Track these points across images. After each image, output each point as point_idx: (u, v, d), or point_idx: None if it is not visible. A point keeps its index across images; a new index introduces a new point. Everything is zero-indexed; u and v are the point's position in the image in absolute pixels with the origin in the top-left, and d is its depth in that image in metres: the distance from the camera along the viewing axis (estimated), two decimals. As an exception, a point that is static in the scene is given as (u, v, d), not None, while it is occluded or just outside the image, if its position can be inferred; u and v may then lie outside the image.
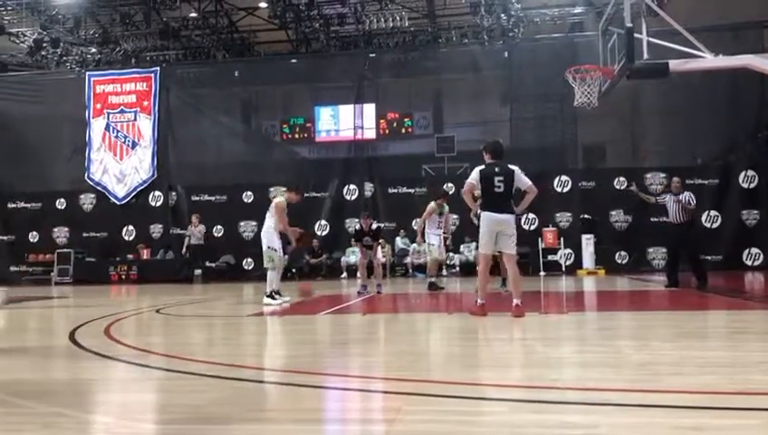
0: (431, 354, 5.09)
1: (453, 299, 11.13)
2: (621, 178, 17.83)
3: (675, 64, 9.07)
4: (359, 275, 12.12)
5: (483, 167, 7.29)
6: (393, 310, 9.49)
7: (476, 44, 19.81)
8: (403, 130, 21.44)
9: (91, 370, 4.64)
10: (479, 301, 7.35)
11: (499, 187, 7.07)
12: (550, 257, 16.97)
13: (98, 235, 18.76)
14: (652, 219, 16.79)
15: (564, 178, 18.04)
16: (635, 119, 18.37)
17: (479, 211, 7.54)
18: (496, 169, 7.14)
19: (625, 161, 18.62)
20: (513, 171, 7.19)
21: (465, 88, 19.67)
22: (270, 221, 9.75)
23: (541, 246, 16.91)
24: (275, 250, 9.61)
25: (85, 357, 5.09)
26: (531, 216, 17.62)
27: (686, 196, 10.60)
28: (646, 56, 9.12)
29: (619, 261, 17.56)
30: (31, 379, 4.10)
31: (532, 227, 17.60)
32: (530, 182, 7.32)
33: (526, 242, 17.20)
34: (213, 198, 19.34)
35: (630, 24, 8.97)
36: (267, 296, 9.42)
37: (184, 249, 17.90)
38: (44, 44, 21.32)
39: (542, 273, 16.50)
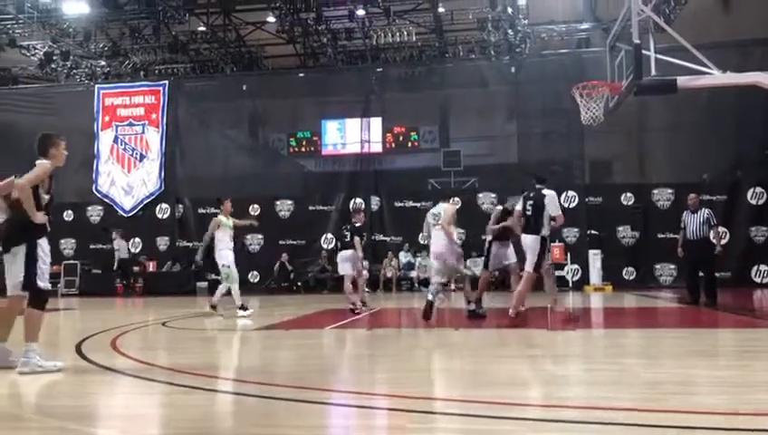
0: (440, 371, 5.06)
1: (457, 315, 11.07)
2: (628, 194, 17.77)
3: (683, 81, 9.04)
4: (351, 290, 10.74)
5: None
6: (398, 325, 9.45)
7: (483, 60, 19.86)
8: (409, 144, 21.44)
9: (96, 383, 4.63)
10: (516, 311, 7.89)
11: (528, 210, 7.96)
12: (557, 273, 16.85)
13: (105, 247, 18.80)
14: (659, 235, 16.70)
15: (571, 193, 17.98)
16: (642, 134, 18.32)
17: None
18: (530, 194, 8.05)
19: (632, 177, 18.56)
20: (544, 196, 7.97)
21: (472, 103, 19.69)
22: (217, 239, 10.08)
23: (548, 261, 16.79)
24: (229, 266, 10.00)
25: (90, 371, 5.08)
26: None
27: (707, 212, 10.58)
28: (654, 72, 9.10)
29: (627, 277, 17.45)
30: (35, 392, 4.09)
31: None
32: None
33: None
34: (220, 211, 19.33)
35: (638, 40, 8.97)
36: (239, 309, 9.86)
37: (116, 265, 18.13)
38: (55, 57, 21.50)
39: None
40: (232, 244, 10.19)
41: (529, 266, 7.98)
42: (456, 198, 10.93)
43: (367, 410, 3.62)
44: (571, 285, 16.37)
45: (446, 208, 8.64)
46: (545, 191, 7.98)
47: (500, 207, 9.16)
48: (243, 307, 9.93)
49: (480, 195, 18.15)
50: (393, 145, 20.90)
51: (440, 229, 8.51)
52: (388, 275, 17.53)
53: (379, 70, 20.53)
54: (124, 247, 18.34)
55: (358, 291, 10.50)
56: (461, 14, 19.58)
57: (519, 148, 18.56)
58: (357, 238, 10.18)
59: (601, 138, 16.82)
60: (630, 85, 9.27)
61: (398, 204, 18.57)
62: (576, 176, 18.53)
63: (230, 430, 3.12)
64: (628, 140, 18.27)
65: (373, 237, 18.31)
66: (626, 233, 17.69)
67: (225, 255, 10.05)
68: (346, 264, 10.23)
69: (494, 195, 17.95)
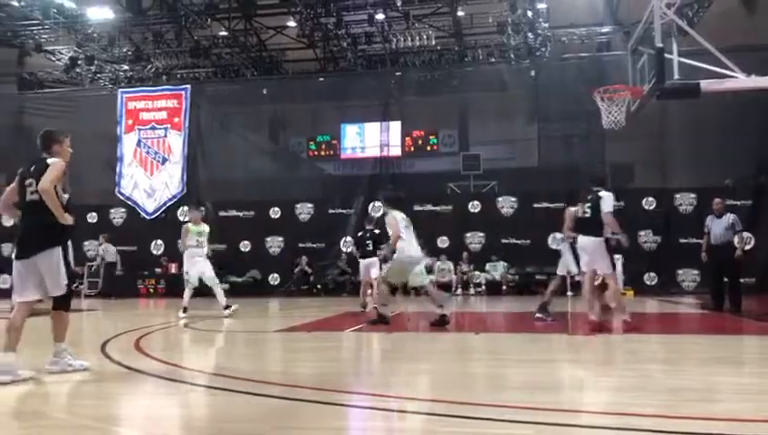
0: (460, 374, 5.06)
1: (479, 319, 11.06)
2: (650, 199, 17.60)
3: (706, 84, 8.95)
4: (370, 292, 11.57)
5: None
6: (418, 329, 9.45)
7: (503, 63, 19.82)
8: (428, 148, 21.45)
9: (121, 384, 4.71)
10: (594, 317, 7.77)
11: (587, 212, 7.99)
12: (577, 278, 16.71)
13: (127, 248, 19.03)
14: (682, 240, 16.49)
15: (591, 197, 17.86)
16: (664, 138, 18.11)
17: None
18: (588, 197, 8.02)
19: (654, 181, 18.36)
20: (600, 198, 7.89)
21: (492, 106, 19.66)
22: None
23: (568, 265, 16.67)
24: (187, 272, 10.45)
25: (115, 371, 5.16)
26: (558, 235, 17.40)
27: (732, 217, 10.46)
28: (676, 76, 9.02)
29: (648, 282, 17.25)
30: (62, 391, 4.17)
31: (560, 247, 17.32)
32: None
33: (553, 262, 17.01)
34: (240, 214, 19.50)
35: (661, 43, 8.89)
36: (225, 309, 10.27)
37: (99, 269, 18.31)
38: (79, 62, 21.85)
39: (569, 293, 16.26)
40: (199, 250, 10.47)
41: (607, 269, 7.96)
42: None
43: (393, 413, 3.64)
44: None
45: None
46: (602, 193, 7.92)
47: (573, 209, 8.94)
48: (185, 310, 10.34)
49: (500, 199, 18.07)
50: (412, 149, 20.94)
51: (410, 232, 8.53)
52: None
53: (398, 74, 20.58)
54: (112, 252, 18.33)
55: (372, 294, 10.80)
56: (481, 17, 19.55)
57: (539, 151, 18.48)
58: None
59: (623, 141, 16.66)
60: (653, 89, 9.19)
61: (417, 208, 18.52)
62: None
63: (252, 431, 3.16)
64: (650, 144, 18.07)
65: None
66: (648, 238, 17.50)
67: (186, 260, 10.54)
68: (373, 269, 11.04)
69: (513, 198, 17.89)
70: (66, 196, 4.82)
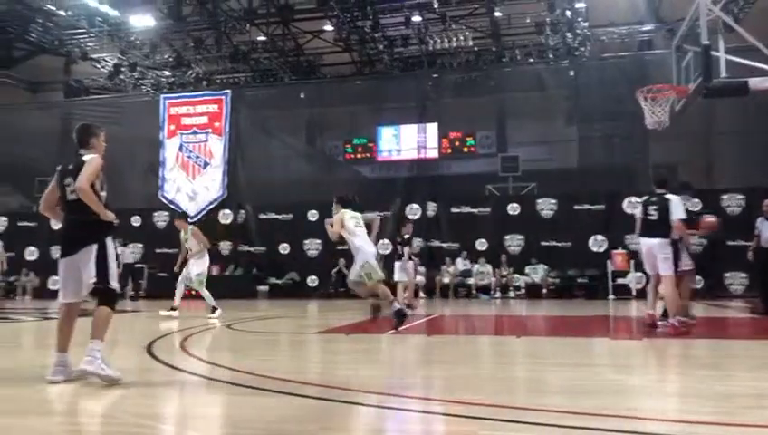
0: (500, 378, 5.02)
1: (520, 323, 10.96)
2: (695, 200, 17.14)
3: (755, 82, 8.69)
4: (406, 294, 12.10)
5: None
6: (457, 332, 9.41)
7: (541, 63, 19.61)
8: (465, 150, 21.36)
9: (167, 384, 4.80)
10: (674, 321, 7.55)
11: (653, 214, 7.86)
12: (619, 281, 16.41)
13: (170, 251, 19.39)
14: (729, 243, 16.02)
15: (634, 199, 17.46)
16: (709, 138, 17.67)
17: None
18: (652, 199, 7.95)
19: (699, 182, 17.87)
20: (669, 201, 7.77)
21: (530, 107, 19.44)
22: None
23: (610, 268, 16.34)
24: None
25: (161, 371, 5.27)
26: (599, 237, 17.14)
27: None
28: (723, 74, 8.79)
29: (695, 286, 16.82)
30: (111, 390, 4.26)
31: (602, 249, 17.05)
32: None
33: (595, 264, 16.76)
34: (279, 216, 19.71)
35: (707, 41, 8.68)
36: (212, 311, 10.49)
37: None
38: (123, 69, 22.44)
39: (610, 296, 15.99)
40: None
41: (669, 271, 7.73)
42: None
43: (436, 416, 3.64)
44: (634, 293, 15.88)
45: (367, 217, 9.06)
46: (669, 196, 7.82)
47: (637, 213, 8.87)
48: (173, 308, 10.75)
49: (539, 200, 17.82)
50: (449, 150, 20.89)
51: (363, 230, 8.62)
52: (446, 281, 17.43)
53: (435, 75, 20.55)
54: (128, 253, 18.68)
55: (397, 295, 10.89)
56: (518, 17, 19.40)
57: (579, 152, 18.21)
58: (406, 248, 11.65)
59: (666, 141, 16.30)
60: (699, 88, 8.98)
61: (454, 210, 18.46)
62: (640, 181, 18.02)
63: (297, 432, 3.19)
64: (695, 144, 17.64)
65: (429, 244, 18.29)
66: (693, 240, 17.04)
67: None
68: (401, 272, 11.73)
69: (553, 200, 17.64)
70: (103, 193, 4.69)
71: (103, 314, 4.59)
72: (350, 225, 8.53)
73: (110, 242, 4.69)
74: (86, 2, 19.47)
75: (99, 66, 22.82)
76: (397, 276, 12.03)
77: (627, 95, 15.99)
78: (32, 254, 19.59)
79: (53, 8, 20.04)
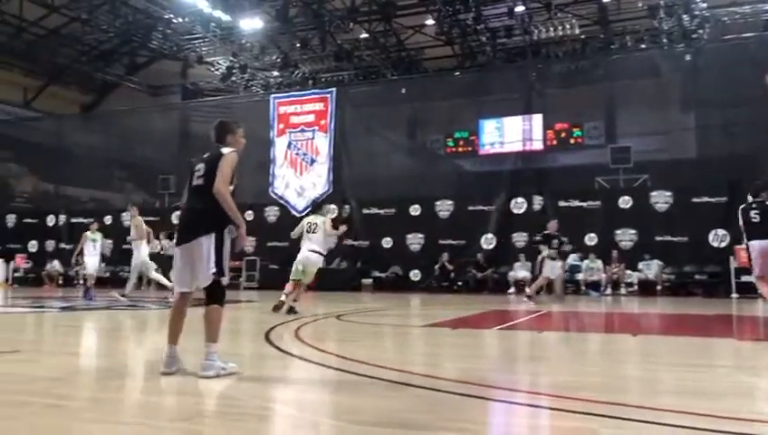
0: (618, 377, 4.86)
1: (634, 320, 10.55)
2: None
3: None
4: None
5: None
6: (567, 328, 9.18)
7: (655, 49, 18.64)
8: (572, 141, 20.70)
9: (290, 370, 5.04)
10: None
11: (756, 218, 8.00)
12: (743, 278, 15.30)
13: (280, 244, 20.20)
14: None
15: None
16: None
17: None
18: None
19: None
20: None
21: (642, 95, 18.50)
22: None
23: (733, 265, 15.26)
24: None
25: (281, 358, 5.53)
26: (720, 232, 16.05)
27: None
28: None
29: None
30: (245, 374, 4.51)
31: (723, 245, 15.94)
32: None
33: (715, 260, 15.75)
34: (382, 211, 20.01)
35: None
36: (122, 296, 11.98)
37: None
38: (234, 71, 23.59)
39: (734, 295, 14.98)
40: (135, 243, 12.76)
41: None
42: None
43: (552, 411, 3.59)
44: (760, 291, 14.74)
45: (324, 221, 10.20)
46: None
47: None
48: (123, 295, 12.00)
49: (653, 193, 16.93)
50: (554, 142, 20.32)
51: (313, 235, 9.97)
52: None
53: (539, 66, 20.05)
54: (167, 247, 20.02)
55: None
56: (628, 2, 18.59)
57: (697, 141, 17.17)
58: (543, 247, 12.73)
59: (795, 128, 15.07)
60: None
61: (562, 204, 17.90)
62: (766, 171, 16.73)
63: (422, 422, 3.25)
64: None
65: (536, 238, 17.86)
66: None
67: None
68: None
69: (669, 193, 16.71)
70: (231, 187, 4.54)
71: (215, 313, 4.42)
72: (302, 229, 10.20)
73: (227, 234, 4.52)
74: (201, 8, 20.62)
75: (212, 69, 24.11)
76: (547, 273, 12.89)
77: (750, 79, 14.92)
78: (156, 247, 20.96)
79: (172, 16, 21.39)
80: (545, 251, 12.63)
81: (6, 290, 19.04)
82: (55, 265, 21.52)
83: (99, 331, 8.26)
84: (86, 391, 4.15)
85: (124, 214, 14.04)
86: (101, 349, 6.61)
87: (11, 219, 23.49)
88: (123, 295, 12.12)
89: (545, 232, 13.23)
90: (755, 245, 7.91)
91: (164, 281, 12.39)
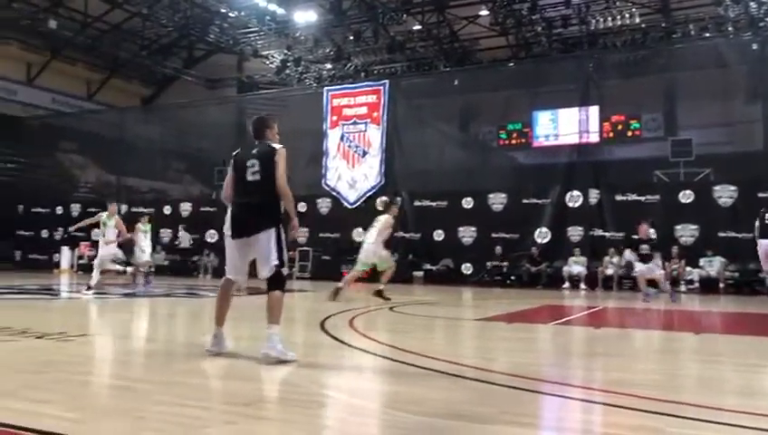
0: (681, 375, 4.73)
1: (695, 319, 10.23)
2: None
3: None
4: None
5: None
6: (624, 325, 8.97)
7: (719, 37, 17.92)
8: (629, 133, 20.18)
9: (345, 359, 5.10)
10: None
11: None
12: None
13: (332, 235, 20.41)
14: None
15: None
16: None
17: None
18: None
19: None
20: None
21: (705, 86, 17.82)
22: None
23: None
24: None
25: (337, 347, 5.60)
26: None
27: None
28: None
29: None
30: (303, 362, 4.59)
31: None
32: None
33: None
34: (434, 204, 19.89)
35: None
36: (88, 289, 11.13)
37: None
38: (288, 64, 23.89)
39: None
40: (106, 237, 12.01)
41: None
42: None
43: (615, 408, 3.52)
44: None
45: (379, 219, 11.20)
46: None
47: None
48: (89, 287, 11.19)
49: (716, 187, 16.29)
50: (611, 135, 19.85)
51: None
52: (609, 272, 16.62)
53: (596, 56, 19.55)
54: (187, 238, 21.41)
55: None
56: (693, -10, 17.93)
57: (764, 134, 16.44)
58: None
59: None
60: None
61: (619, 197, 17.42)
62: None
63: (481, 414, 3.24)
64: None
65: (592, 233, 17.50)
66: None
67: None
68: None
69: (733, 187, 16.06)
70: None
71: (277, 298, 4.60)
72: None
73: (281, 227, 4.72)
74: (256, 2, 20.94)
75: (267, 62, 24.48)
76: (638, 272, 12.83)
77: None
78: (212, 236, 21.40)
79: (228, 10, 21.79)
80: (627, 254, 12.49)
81: (71, 276, 19.87)
82: (118, 253, 22.32)
83: (160, 316, 8.54)
84: (154, 374, 4.29)
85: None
86: (163, 333, 6.83)
87: (75, 208, 24.42)
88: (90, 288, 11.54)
89: (633, 236, 13.05)
90: (763, 243, 8.31)
91: (117, 267, 12.53)
